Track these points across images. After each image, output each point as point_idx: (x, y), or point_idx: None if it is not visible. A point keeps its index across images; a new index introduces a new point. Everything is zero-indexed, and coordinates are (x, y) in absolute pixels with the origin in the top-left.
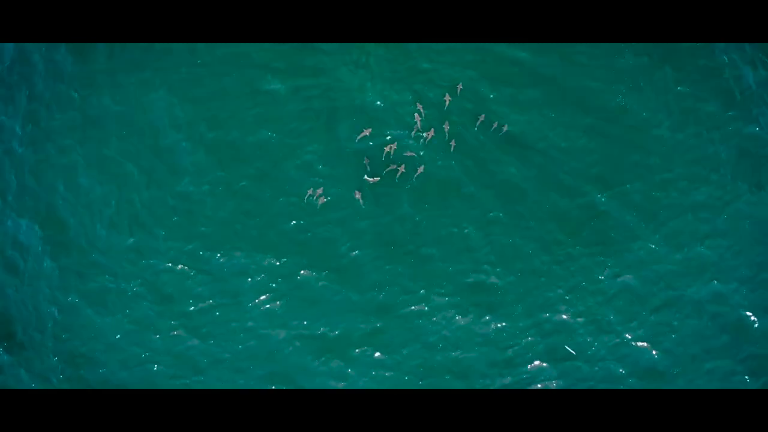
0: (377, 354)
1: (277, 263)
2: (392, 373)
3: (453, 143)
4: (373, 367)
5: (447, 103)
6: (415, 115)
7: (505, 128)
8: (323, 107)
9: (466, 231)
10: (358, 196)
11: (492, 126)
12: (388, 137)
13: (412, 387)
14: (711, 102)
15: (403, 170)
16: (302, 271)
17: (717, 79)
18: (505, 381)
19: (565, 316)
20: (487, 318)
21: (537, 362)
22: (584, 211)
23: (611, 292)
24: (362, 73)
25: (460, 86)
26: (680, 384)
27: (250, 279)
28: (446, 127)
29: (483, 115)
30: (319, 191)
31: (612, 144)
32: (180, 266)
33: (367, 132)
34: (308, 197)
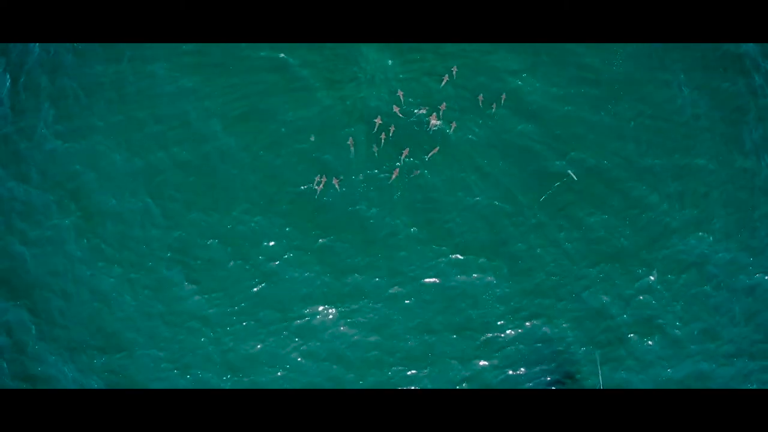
0: None
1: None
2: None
3: (454, 125)
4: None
5: (444, 81)
6: (394, 106)
7: (504, 97)
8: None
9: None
10: (333, 183)
11: (491, 105)
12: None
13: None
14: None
15: (408, 152)
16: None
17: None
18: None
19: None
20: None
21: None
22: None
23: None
24: (359, 64)
25: (454, 69)
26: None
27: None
28: (442, 107)
29: (481, 95)
30: (324, 179)
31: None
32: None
33: (378, 120)
34: (317, 183)
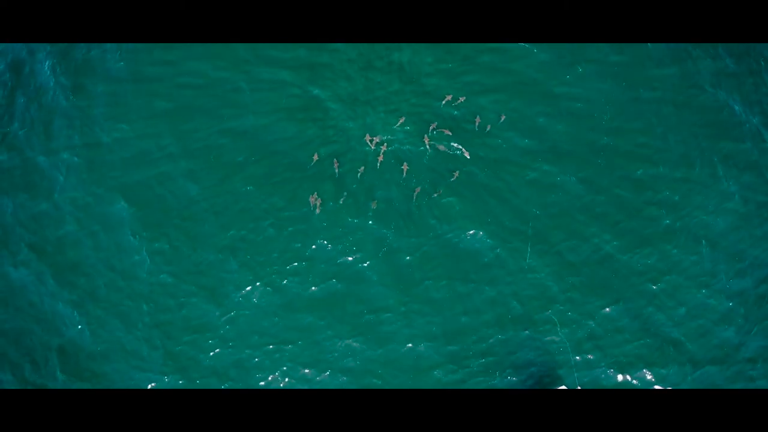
0: None
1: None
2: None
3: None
4: None
5: (444, 102)
6: (366, 135)
7: (503, 118)
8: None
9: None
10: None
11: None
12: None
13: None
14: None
15: (407, 167)
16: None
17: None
18: None
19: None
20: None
21: None
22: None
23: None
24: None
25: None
26: None
27: None
28: (433, 126)
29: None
30: (319, 200)
31: None
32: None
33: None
34: (313, 203)
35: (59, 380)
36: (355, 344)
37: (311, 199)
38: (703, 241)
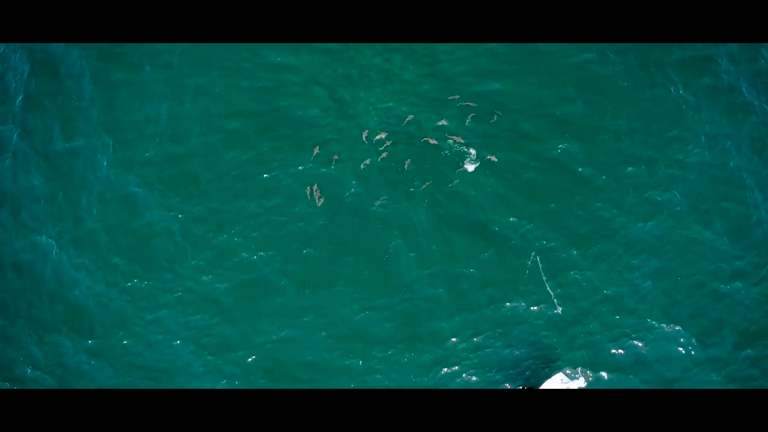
0: None
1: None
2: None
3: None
4: None
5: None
6: (365, 132)
7: (500, 113)
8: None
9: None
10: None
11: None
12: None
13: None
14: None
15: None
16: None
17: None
18: None
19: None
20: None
21: None
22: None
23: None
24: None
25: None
26: None
27: None
28: (443, 122)
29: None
30: (318, 191)
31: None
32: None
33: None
34: (310, 194)
35: (67, 366)
36: (363, 325)
37: (311, 190)
38: (708, 225)
